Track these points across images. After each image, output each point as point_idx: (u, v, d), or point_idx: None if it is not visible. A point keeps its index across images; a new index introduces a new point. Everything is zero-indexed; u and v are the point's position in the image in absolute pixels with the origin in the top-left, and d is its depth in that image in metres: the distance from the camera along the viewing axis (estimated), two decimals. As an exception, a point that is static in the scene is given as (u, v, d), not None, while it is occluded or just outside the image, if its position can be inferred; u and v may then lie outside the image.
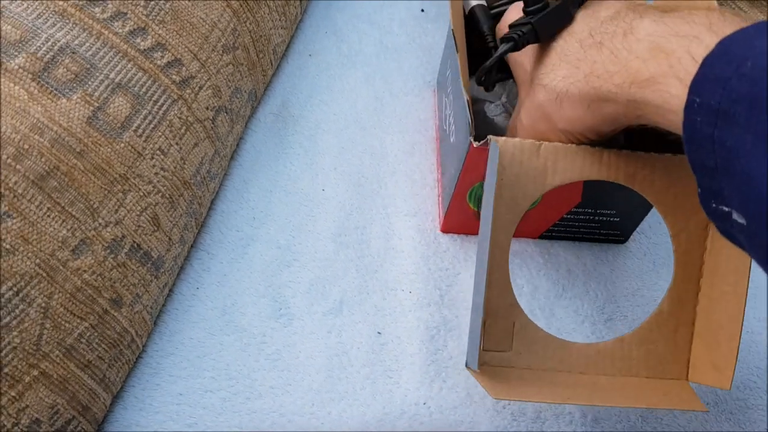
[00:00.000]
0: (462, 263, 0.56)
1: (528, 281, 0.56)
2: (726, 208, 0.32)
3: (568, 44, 0.43)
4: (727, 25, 0.34)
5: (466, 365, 0.42)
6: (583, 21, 0.43)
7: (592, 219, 0.55)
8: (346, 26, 0.69)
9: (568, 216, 0.55)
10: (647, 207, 0.53)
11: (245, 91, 0.57)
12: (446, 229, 0.57)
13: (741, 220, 0.31)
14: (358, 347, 0.52)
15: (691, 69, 0.33)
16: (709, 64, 0.32)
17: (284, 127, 0.61)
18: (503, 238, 0.45)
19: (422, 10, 0.71)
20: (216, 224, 0.55)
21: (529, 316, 0.45)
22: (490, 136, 0.45)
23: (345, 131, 0.62)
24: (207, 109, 0.52)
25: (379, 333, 0.52)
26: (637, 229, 0.57)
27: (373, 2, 0.70)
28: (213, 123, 0.52)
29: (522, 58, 0.47)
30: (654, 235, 0.60)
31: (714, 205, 0.33)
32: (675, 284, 0.47)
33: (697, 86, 0.32)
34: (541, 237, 0.58)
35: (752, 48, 0.30)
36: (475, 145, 0.46)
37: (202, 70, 0.51)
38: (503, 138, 0.45)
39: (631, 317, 0.55)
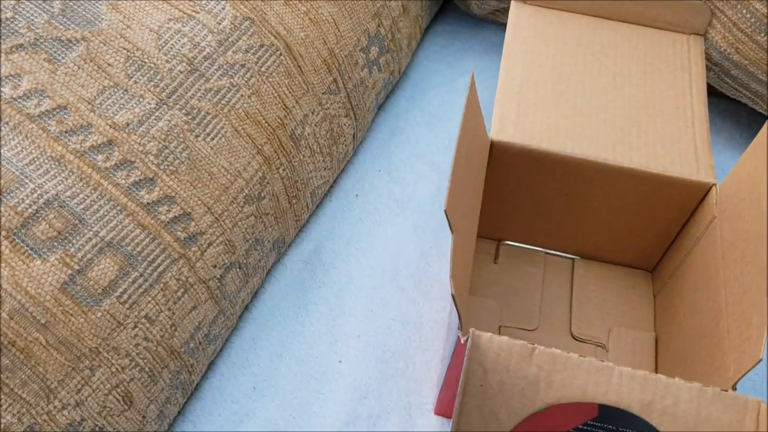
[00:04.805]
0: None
1: None
2: None
3: None
4: None
5: None
6: None
7: None
8: (404, 165, 0.62)
9: (583, 427, 0.45)
10: None
11: (269, 242, 0.51)
12: (440, 412, 0.49)
13: None
14: None
15: None
16: None
17: (311, 278, 0.55)
18: None
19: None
20: (211, 390, 0.49)
21: None
22: (471, 330, 0.36)
23: (379, 290, 0.55)
24: (215, 267, 0.46)
25: None
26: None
27: (437, 142, 0.63)
28: (220, 282, 0.46)
29: None
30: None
31: None
32: None
33: None
34: None
35: None
36: (462, 341, 0.38)
37: (215, 225, 0.45)
38: (489, 334, 0.36)
39: None
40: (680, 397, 0.35)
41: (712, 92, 0.57)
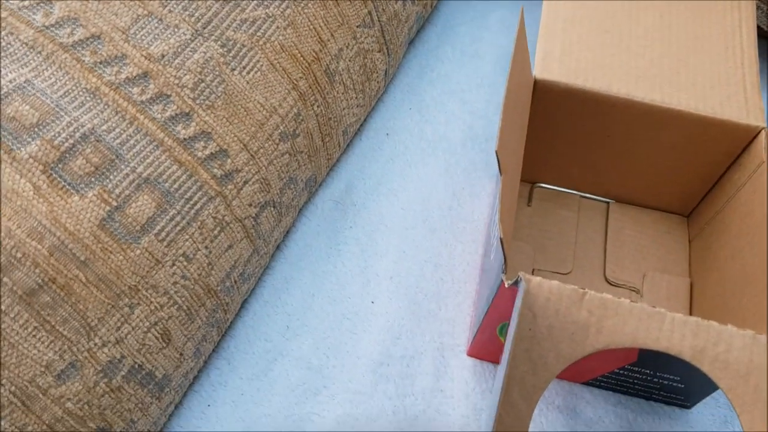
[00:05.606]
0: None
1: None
2: None
3: None
4: None
5: None
6: None
7: (650, 380, 0.45)
8: (434, 104, 0.60)
9: (621, 371, 0.45)
10: None
11: (302, 180, 0.50)
12: (473, 353, 0.49)
13: None
14: None
15: None
16: None
17: (342, 218, 0.54)
18: (524, 407, 0.35)
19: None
20: (244, 328, 0.49)
21: None
22: (521, 273, 0.36)
23: (410, 231, 0.54)
24: (250, 205, 0.45)
25: (406, 497, 0.44)
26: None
27: (469, 80, 0.62)
28: (255, 221, 0.45)
29: None
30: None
31: None
32: None
33: None
34: (588, 383, 0.49)
35: None
36: (506, 285, 0.38)
37: (251, 162, 0.44)
38: (538, 278, 0.36)
39: None
40: (733, 344, 0.35)
41: (759, 34, 0.55)
